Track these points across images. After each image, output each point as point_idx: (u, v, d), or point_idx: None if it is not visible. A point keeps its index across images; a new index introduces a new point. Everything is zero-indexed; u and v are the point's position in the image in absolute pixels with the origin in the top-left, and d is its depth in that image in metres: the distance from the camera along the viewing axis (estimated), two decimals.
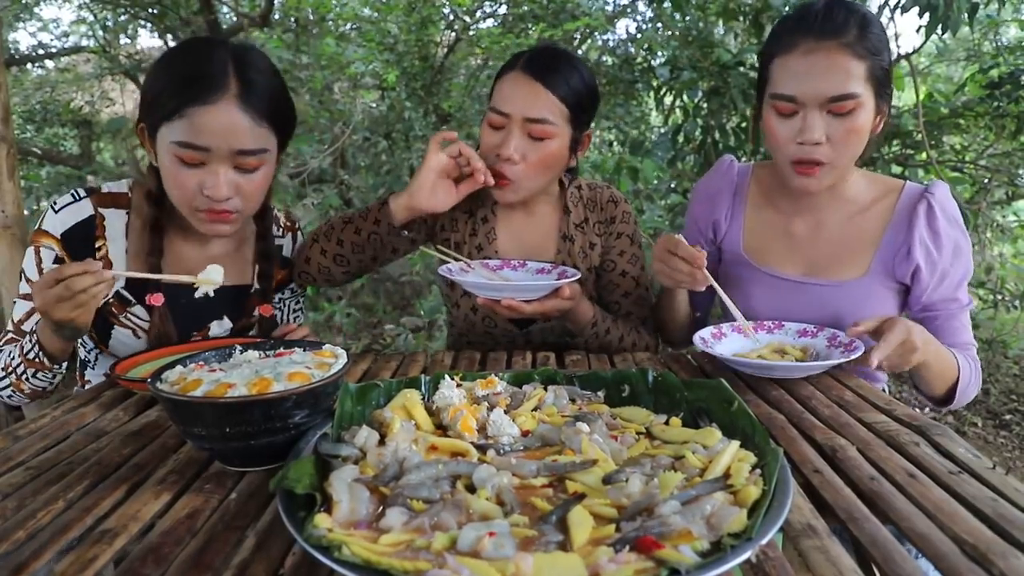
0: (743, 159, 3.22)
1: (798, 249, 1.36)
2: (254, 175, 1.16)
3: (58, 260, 1.21)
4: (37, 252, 1.21)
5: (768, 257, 1.38)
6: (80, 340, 1.32)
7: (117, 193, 1.26)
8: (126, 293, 1.25)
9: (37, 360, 1.13)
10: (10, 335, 1.23)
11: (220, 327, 1.33)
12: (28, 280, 1.22)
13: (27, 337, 1.15)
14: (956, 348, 1.26)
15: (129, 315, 1.25)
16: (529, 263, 1.42)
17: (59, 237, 1.21)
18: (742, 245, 1.41)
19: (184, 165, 1.12)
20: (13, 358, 1.16)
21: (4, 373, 1.18)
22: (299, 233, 1.47)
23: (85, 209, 1.23)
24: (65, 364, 1.18)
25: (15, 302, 1.24)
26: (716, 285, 1.22)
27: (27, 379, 1.16)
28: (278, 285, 1.43)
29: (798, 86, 1.18)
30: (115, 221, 1.24)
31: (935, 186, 1.29)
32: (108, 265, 1.23)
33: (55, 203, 1.23)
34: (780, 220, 1.38)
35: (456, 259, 1.38)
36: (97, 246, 1.23)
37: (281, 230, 1.43)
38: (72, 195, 1.24)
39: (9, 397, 1.21)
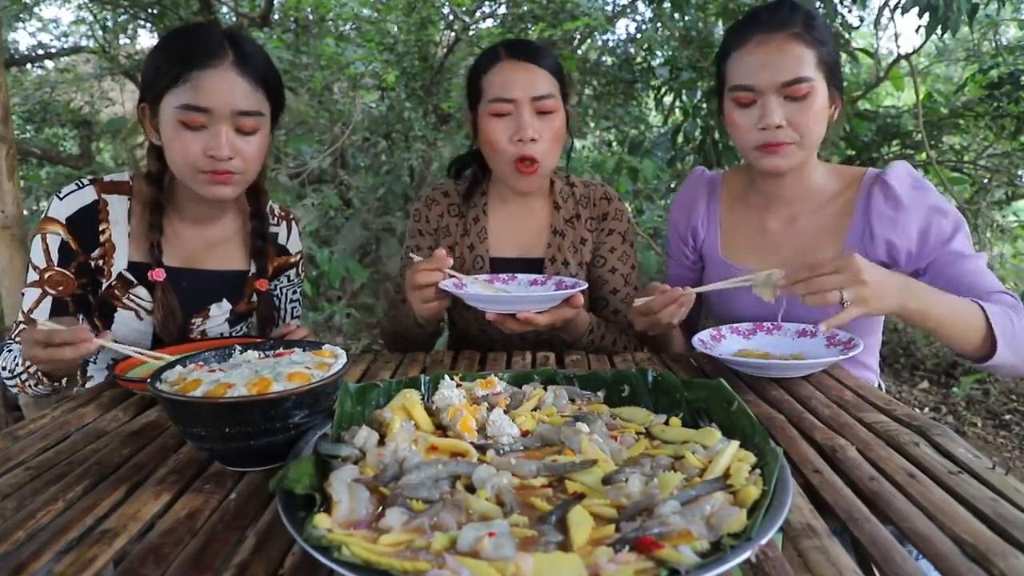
0: (742, 160, 3.22)
1: (773, 244, 1.40)
2: (252, 138, 1.22)
3: (64, 245, 1.24)
4: (44, 239, 1.24)
5: (746, 256, 1.42)
6: None
7: (119, 181, 1.31)
8: (128, 274, 1.28)
9: (36, 374, 1.18)
10: (22, 326, 1.26)
11: (219, 309, 1.36)
12: (35, 267, 1.25)
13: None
14: (978, 298, 1.17)
15: (131, 296, 1.28)
16: (519, 276, 1.41)
17: (64, 222, 1.24)
18: (720, 248, 1.46)
19: (187, 129, 1.17)
20: (17, 364, 1.20)
21: (10, 375, 1.22)
22: (294, 223, 1.50)
23: (88, 195, 1.26)
24: (65, 380, 1.24)
25: (23, 293, 1.27)
26: (704, 289, 1.23)
27: (31, 387, 1.21)
28: (275, 272, 1.47)
29: (754, 75, 1.25)
30: (117, 206, 1.28)
31: (890, 166, 1.33)
32: (112, 248, 1.26)
33: (60, 192, 1.27)
34: (754, 218, 1.43)
35: (450, 275, 1.34)
36: (101, 229, 1.26)
37: (277, 219, 1.46)
38: (76, 184, 1.28)
39: (17, 393, 1.26)
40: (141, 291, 1.28)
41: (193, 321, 1.34)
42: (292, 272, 1.51)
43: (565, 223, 1.51)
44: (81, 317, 1.30)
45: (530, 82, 1.36)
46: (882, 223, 1.29)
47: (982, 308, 1.12)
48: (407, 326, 1.41)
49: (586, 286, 1.29)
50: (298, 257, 1.51)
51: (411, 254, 1.46)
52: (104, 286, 1.27)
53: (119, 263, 1.27)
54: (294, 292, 1.53)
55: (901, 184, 1.30)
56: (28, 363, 1.17)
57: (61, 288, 1.24)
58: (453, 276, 1.35)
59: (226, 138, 1.18)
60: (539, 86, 1.37)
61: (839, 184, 1.37)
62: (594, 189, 1.55)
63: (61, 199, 1.26)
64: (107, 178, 1.30)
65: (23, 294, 1.27)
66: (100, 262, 1.26)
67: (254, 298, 1.41)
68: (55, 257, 1.24)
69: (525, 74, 1.37)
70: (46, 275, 1.23)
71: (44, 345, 1.02)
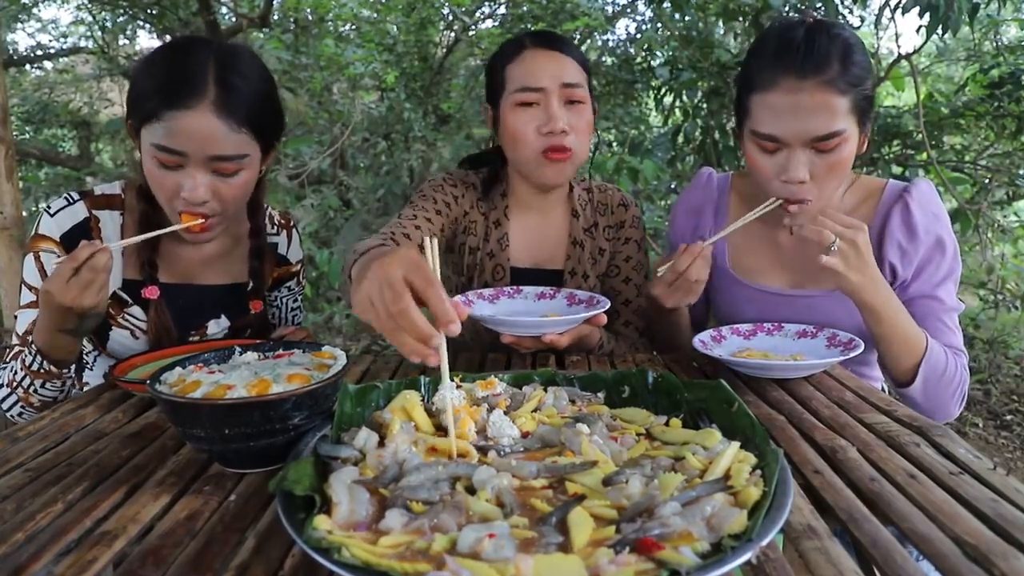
0: (743, 160, 3.22)
1: (784, 261, 1.35)
2: (233, 179, 1.16)
3: None
4: (37, 258, 1.21)
5: (755, 272, 1.38)
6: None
7: (110, 195, 1.27)
8: (123, 293, 1.25)
9: (43, 370, 1.12)
10: (17, 348, 1.21)
11: (218, 326, 1.33)
12: (31, 288, 1.21)
13: (27, 349, 1.13)
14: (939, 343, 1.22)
15: (126, 315, 1.25)
16: (525, 289, 1.36)
17: (59, 240, 1.21)
18: (728, 261, 1.40)
19: (163, 167, 1.12)
20: (16, 372, 1.15)
21: (9, 390, 1.16)
22: (295, 230, 1.46)
23: (80, 212, 1.23)
24: (74, 367, 1.17)
25: (16, 316, 1.23)
26: (719, 237, 1.24)
27: (35, 391, 1.15)
28: (275, 282, 1.44)
29: (781, 126, 1.15)
30: (109, 222, 1.25)
31: (914, 185, 1.27)
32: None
33: (49, 207, 1.23)
34: (764, 233, 1.37)
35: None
36: None
37: (276, 227, 1.42)
38: (66, 199, 1.24)
39: (20, 415, 1.19)
40: (136, 310, 1.25)
41: (191, 339, 1.30)
42: (292, 282, 1.47)
43: (584, 232, 1.45)
44: None
45: (559, 70, 1.30)
46: (892, 248, 1.25)
47: (927, 343, 1.16)
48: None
49: (608, 305, 1.23)
50: (299, 266, 1.48)
51: (411, 213, 1.31)
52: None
53: (113, 281, 1.22)
54: (295, 300, 1.50)
55: (922, 212, 1.24)
56: (31, 361, 1.12)
57: None
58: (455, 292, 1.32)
59: (201, 181, 1.12)
60: (568, 74, 1.31)
61: (856, 198, 1.31)
62: (610, 195, 1.50)
63: (52, 215, 1.22)
64: (97, 191, 1.26)
65: (16, 317, 1.22)
66: None
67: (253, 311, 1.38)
68: None
69: (553, 62, 1.31)
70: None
71: (73, 272, 0.99)
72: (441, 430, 0.81)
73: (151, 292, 1.24)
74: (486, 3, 4.91)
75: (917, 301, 1.26)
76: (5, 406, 1.19)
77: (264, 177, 1.31)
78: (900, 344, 1.16)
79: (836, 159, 1.16)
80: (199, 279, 1.32)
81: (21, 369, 1.14)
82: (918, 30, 2.73)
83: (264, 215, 1.37)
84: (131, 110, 1.16)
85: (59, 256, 1.21)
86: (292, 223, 1.46)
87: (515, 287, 1.37)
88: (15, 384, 1.15)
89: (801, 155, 1.16)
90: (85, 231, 1.22)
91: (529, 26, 4.42)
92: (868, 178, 1.36)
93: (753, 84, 1.19)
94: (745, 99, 1.22)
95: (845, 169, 1.19)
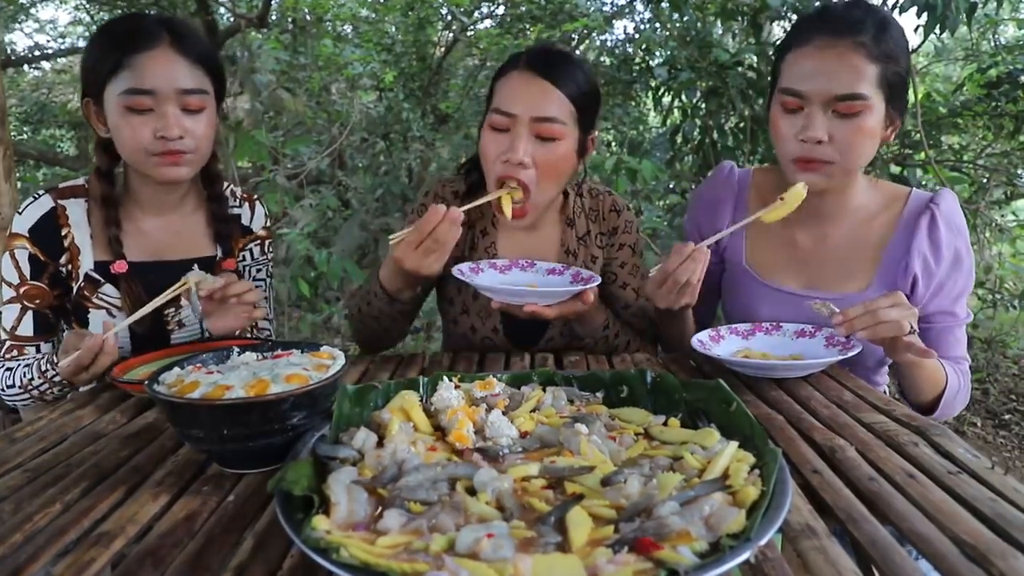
0: (742, 160, 3.22)
1: (801, 261, 1.34)
2: (199, 116, 1.23)
3: (32, 258, 1.25)
4: (12, 255, 1.26)
5: (771, 270, 1.36)
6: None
7: (75, 186, 1.32)
8: (94, 274, 1.29)
9: (63, 384, 1.19)
10: (9, 343, 1.27)
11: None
12: (9, 284, 1.26)
13: (44, 362, 1.19)
14: (948, 361, 1.25)
15: (100, 295, 1.29)
16: (538, 263, 1.37)
17: (27, 234, 1.25)
18: (745, 257, 1.39)
19: (134, 113, 1.19)
20: (31, 379, 1.20)
21: (22, 390, 1.21)
22: (258, 203, 1.49)
23: (46, 203, 1.28)
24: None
25: (1, 311, 1.27)
26: (713, 240, 1.21)
27: (51, 392, 1.21)
28: (239, 251, 1.47)
29: (805, 82, 1.16)
30: (76, 209, 1.29)
31: (941, 196, 1.27)
32: (76, 252, 1.28)
33: (20, 209, 1.28)
34: (783, 231, 1.35)
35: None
36: (63, 234, 1.27)
37: (239, 201, 1.47)
38: (33, 196, 1.30)
39: (25, 404, 1.26)
40: (108, 288, 1.29)
41: (167, 312, 1.32)
42: (256, 248, 1.48)
43: (578, 241, 1.43)
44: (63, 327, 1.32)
45: (536, 101, 1.24)
46: (919, 261, 1.25)
47: (946, 375, 1.20)
48: (376, 308, 1.32)
49: (599, 281, 1.26)
50: (263, 232, 1.49)
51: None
52: (75, 290, 1.28)
53: (85, 264, 1.28)
54: (259, 270, 1.49)
55: (947, 227, 1.25)
56: (50, 375, 1.18)
57: (39, 301, 1.26)
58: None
59: (174, 118, 1.20)
60: (545, 107, 1.24)
61: (879, 203, 1.30)
62: (602, 200, 1.47)
63: (20, 213, 1.27)
64: (62, 185, 1.32)
65: (1, 312, 1.27)
66: (68, 267, 1.28)
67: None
68: (26, 271, 1.25)
69: (534, 91, 1.24)
70: (21, 290, 1.25)
71: (80, 368, 1.08)
72: (440, 430, 0.82)
73: (119, 267, 1.29)
74: (484, 3, 4.91)
75: (936, 316, 1.27)
76: (15, 402, 1.25)
77: (215, 148, 1.36)
78: (929, 381, 1.20)
79: (858, 126, 1.16)
80: (168, 255, 1.36)
81: (38, 376, 1.19)
82: (916, 29, 2.73)
83: (221, 183, 1.42)
84: (90, 80, 1.22)
85: (30, 251, 1.25)
86: (255, 198, 1.51)
87: (528, 260, 1.38)
88: (31, 387, 1.20)
89: (820, 114, 1.16)
90: (52, 220, 1.27)
91: (528, 27, 4.42)
92: (888, 183, 1.35)
93: (790, 44, 1.22)
94: (780, 63, 1.24)
95: (868, 142, 1.18)
